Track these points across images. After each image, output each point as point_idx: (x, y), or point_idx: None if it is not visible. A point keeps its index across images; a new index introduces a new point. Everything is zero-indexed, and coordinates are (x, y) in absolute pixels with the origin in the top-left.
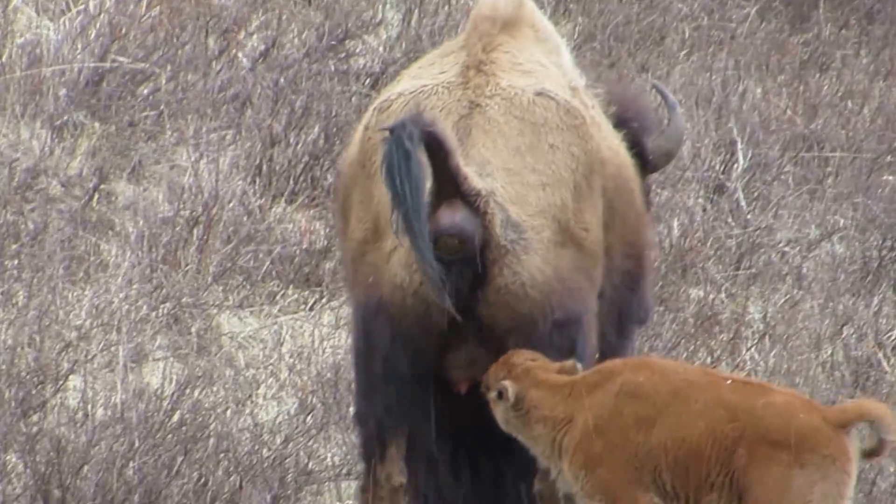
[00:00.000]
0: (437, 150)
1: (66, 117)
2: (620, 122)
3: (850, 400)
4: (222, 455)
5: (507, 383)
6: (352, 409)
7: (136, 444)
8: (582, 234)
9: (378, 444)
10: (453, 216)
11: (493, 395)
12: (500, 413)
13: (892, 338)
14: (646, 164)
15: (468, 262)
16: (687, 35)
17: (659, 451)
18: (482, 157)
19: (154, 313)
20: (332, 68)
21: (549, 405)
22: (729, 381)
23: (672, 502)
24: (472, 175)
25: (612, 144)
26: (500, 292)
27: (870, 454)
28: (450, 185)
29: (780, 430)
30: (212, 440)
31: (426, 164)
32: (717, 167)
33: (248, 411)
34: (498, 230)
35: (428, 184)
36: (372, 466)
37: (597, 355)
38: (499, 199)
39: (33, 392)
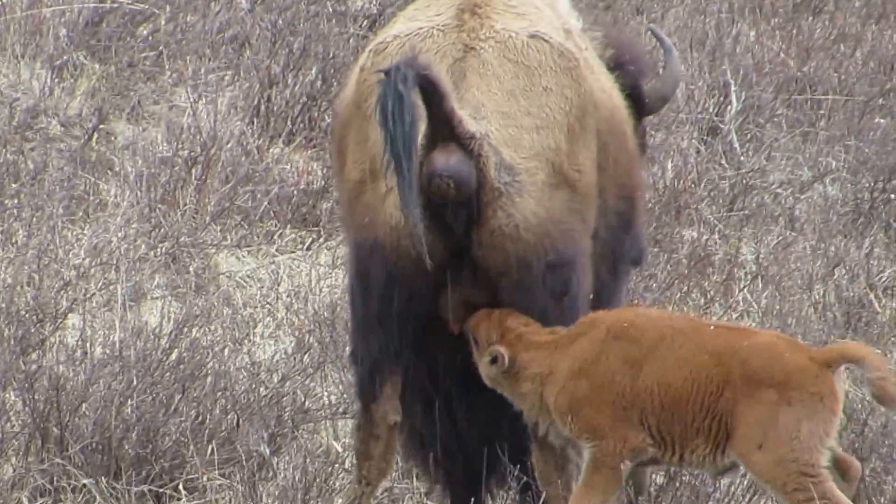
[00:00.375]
0: (431, 93)
1: (65, 57)
2: (617, 66)
3: (841, 342)
4: (220, 393)
5: (502, 349)
6: (348, 349)
7: (134, 383)
8: (575, 175)
9: (373, 384)
10: (448, 159)
11: (486, 359)
12: (487, 373)
13: (884, 279)
14: (642, 106)
15: (462, 204)
16: None
17: (645, 396)
18: (476, 100)
19: (152, 252)
20: (330, 9)
21: (536, 364)
22: (712, 327)
23: (659, 446)
24: (467, 118)
25: (606, 87)
26: (494, 234)
27: (879, 399)
28: (444, 129)
29: (766, 370)
30: (209, 378)
31: (420, 108)
32: (711, 109)
33: (245, 350)
34: (492, 173)
35: (422, 127)
36: (367, 405)
37: (591, 296)
38: (493, 141)
39: (32, 330)
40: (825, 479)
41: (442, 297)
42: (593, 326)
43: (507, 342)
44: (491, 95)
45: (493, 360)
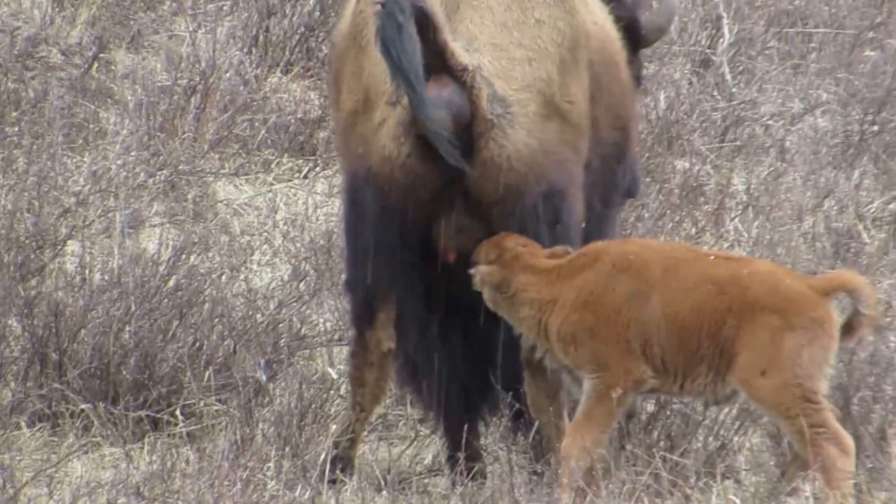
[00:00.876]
0: (425, 25)
1: None
2: None
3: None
4: (217, 320)
5: (486, 269)
6: (343, 277)
7: (133, 309)
8: (567, 107)
9: (368, 311)
10: (441, 91)
11: (476, 279)
12: (486, 294)
13: (872, 209)
14: (638, 38)
15: (455, 135)
16: None
17: (651, 327)
18: (469, 33)
19: (151, 180)
20: None
21: (536, 289)
22: (712, 257)
23: (662, 377)
24: (460, 50)
25: (598, 18)
26: (487, 165)
27: (847, 330)
28: (438, 61)
29: (768, 296)
30: (206, 305)
31: (417, 38)
32: (704, 42)
33: (242, 277)
34: (484, 104)
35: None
36: (362, 333)
37: (583, 226)
38: (485, 73)
39: (32, 257)
40: (825, 406)
41: (436, 226)
42: (598, 259)
43: (502, 262)
44: (484, 27)
45: (482, 280)
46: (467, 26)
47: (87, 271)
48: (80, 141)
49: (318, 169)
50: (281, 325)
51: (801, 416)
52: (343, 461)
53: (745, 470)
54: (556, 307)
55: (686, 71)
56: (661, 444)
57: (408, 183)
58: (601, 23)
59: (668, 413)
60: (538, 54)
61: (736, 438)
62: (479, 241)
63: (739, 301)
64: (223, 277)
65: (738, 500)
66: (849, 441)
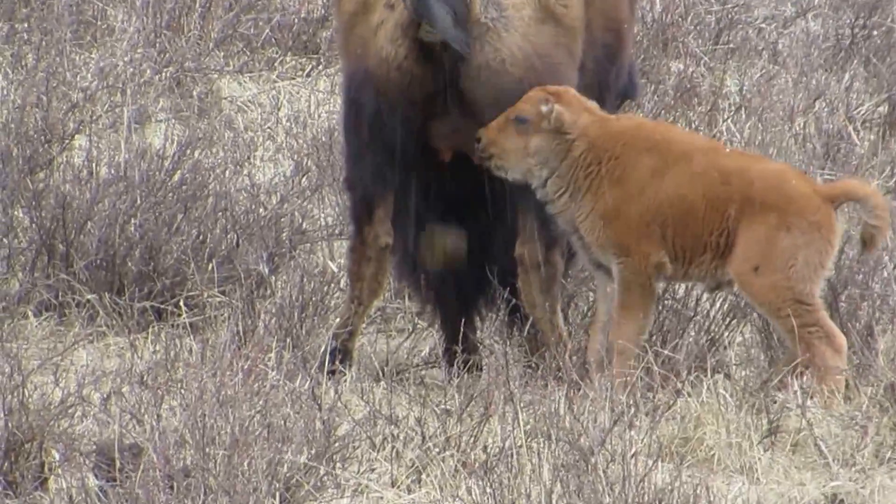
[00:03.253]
0: None
1: None
2: None
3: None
4: (220, 213)
5: (559, 107)
6: (342, 174)
7: (138, 202)
8: (562, 10)
9: (366, 207)
10: None
11: (544, 108)
12: (537, 142)
13: (862, 111)
14: None
15: (451, 38)
16: None
17: (665, 207)
18: None
19: (157, 77)
20: None
21: (594, 136)
22: (728, 150)
23: (675, 261)
24: None
25: None
26: (482, 68)
27: (864, 242)
28: None
29: (769, 192)
30: (210, 199)
31: None
32: None
33: (245, 172)
34: (478, 8)
35: None
36: (360, 228)
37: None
38: None
39: (40, 150)
40: (818, 307)
41: (432, 126)
42: (637, 133)
43: (564, 102)
44: None
45: (547, 115)
46: None
47: (94, 165)
48: (88, 38)
49: (320, 67)
50: (283, 220)
51: (791, 315)
52: (342, 353)
53: (735, 364)
54: (597, 172)
55: None
56: (653, 338)
57: (404, 84)
58: None
59: (660, 308)
60: None
61: (726, 334)
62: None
63: (741, 193)
64: (227, 172)
65: (727, 395)
66: (840, 340)
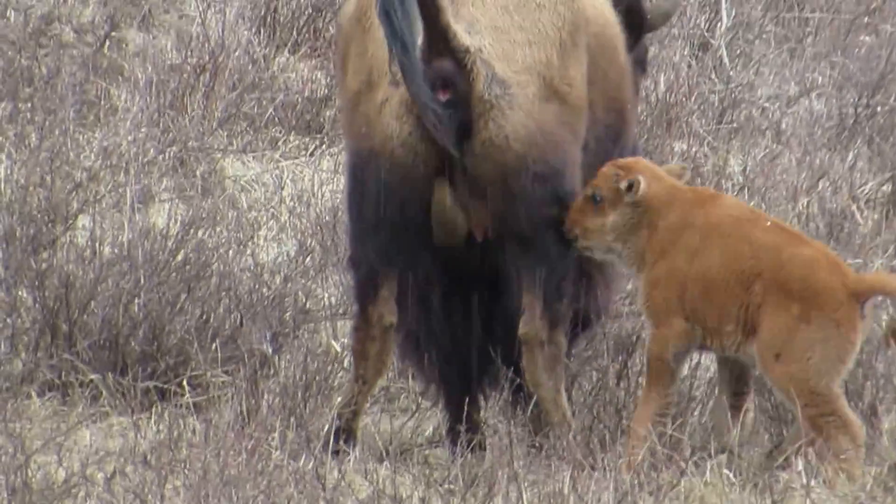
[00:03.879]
0: (428, 7)
1: None
2: None
3: (879, 272)
4: (224, 293)
5: (641, 177)
6: (346, 253)
7: (142, 282)
8: (566, 89)
9: (370, 286)
10: (442, 72)
11: (623, 184)
12: (614, 218)
13: (865, 191)
14: (642, 23)
15: (452, 115)
16: None
17: (696, 278)
18: (471, 15)
19: (161, 156)
20: None
21: (657, 205)
22: (769, 223)
23: (703, 332)
24: (462, 32)
25: (597, 3)
26: (485, 145)
27: (892, 334)
28: (440, 42)
29: (796, 281)
30: (214, 279)
31: (418, 12)
32: (703, 25)
33: (249, 252)
34: (483, 86)
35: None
36: (364, 307)
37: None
38: (485, 56)
39: (44, 230)
40: (836, 397)
41: (436, 204)
42: (685, 204)
43: (640, 170)
44: (485, 11)
45: (629, 188)
46: (469, 9)
47: (97, 244)
48: (92, 117)
49: (324, 147)
50: (286, 299)
51: (808, 406)
52: (346, 432)
53: (739, 445)
54: (654, 239)
55: (685, 54)
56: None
57: (408, 161)
58: (600, 7)
59: None
60: (539, 37)
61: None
62: (481, 219)
63: (770, 274)
64: (230, 252)
65: (731, 474)
66: (856, 428)
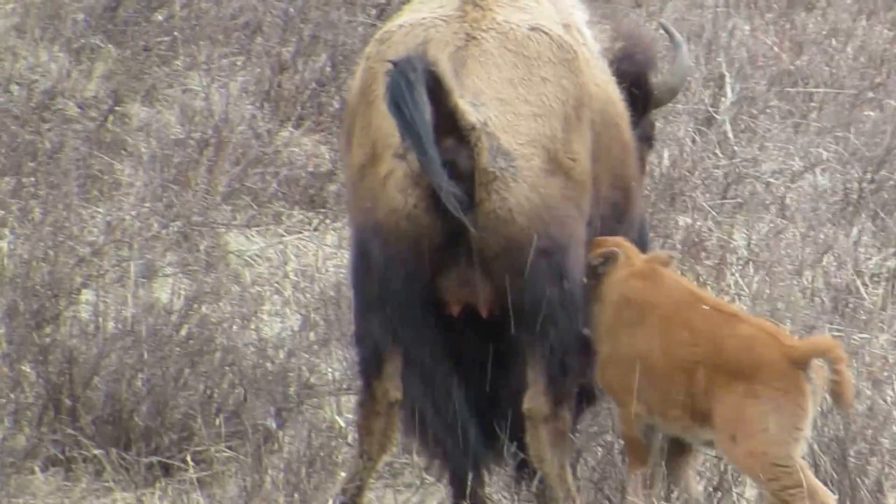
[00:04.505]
0: (437, 88)
1: (83, 41)
2: (626, 56)
3: (814, 335)
4: (228, 368)
5: (619, 251)
6: (351, 329)
7: (145, 357)
8: (570, 163)
9: (375, 362)
10: (448, 152)
11: (597, 261)
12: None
13: (870, 266)
14: (649, 98)
15: (462, 188)
16: None
17: (635, 360)
18: (476, 87)
19: (164, 231)
20: None
21: (612, 283)
22: (707, 307)
23: (650, 414)
24: (469, 109)
25: (601, 80)
26: (489, 217)
27: (834, 396)
28: (447, 122)
29: (737, 361)
30: (218, 354)
31: (427, 99)
32: (707, 100)
33: (253, 326)
34: (487, 158)
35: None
36: (369, 383)
37: (585, 281)
38: (490, 129)
39: (47, 305)
40: (799, 468)
41: (441, 278)
42: (629, 283)
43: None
44: (490, 83)
45: (604, 262)
46: (474, 81)
47: (100, 319)
48: (95, 192)
49: (327, 221)
50: (290, 374)
51: (773, 480)
52: (348, 497)
53: None
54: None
55: (689, 129)
56: (661, 491)
57: (413, 234)
58: (604, 84)
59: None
60: (543, 111)
61: (734, 480)
62: (486, 294)
63: (711, 358)
64: (234, 327)
65: None
66: (825, 497)
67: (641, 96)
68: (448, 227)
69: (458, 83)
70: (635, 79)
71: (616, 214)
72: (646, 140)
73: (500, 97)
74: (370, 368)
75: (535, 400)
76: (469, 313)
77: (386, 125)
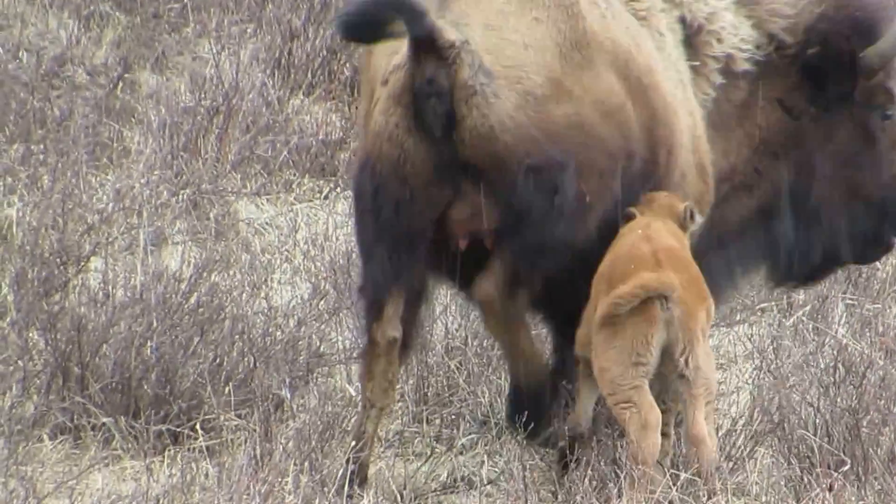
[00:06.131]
0: (413, 11)
1: (92, 8)
2: (826, 18)
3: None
4: (237, 337)
5: (633, 211)
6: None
7: (154, 325)
8: (580, 93)
9: (376, 306)
10: (428, 67)
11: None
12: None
13: None
14: (854, 62)
15: (441, 102)
16: None
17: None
18: (461, 11)
19: (174, 199)
20: None
21: None
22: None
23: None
24: (447, 28)
25: (618, 33)
26: (472, 134)
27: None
28: (428, 44)
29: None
30: (227, 322)
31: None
32: None
33: (262, 295)
34: (466, 73)
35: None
36: (370, 327)
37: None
38: (472, 48)
39: (56, 272)
40: (633, 385)
41: (445, 211)
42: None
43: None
44: (479, 10)
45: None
46: (460, 5)
47: (110, 287)
48: (105, 159)
49: (338, 190)
50: (300, 343)
51: (610, 394)
52: (358, 466)
53: (756, 484)
54: None
55: None
56: (671, 461)
57: (396, 157)
58: (620, 38)
59: (677, 432)
60: (535, 43)
61: (746, 452)
62: (490, 221)
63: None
64: (244, 295)
65: None
66: (650, 416)
67: (843, 61)
68: (431, 148)
69: (441, 6)
70: (835, 41)
71: (643, 175)
72: (873, 109)
73: (487, 23)
74: (371, 312)
75: (487, 288)
76: (476, 246)
77: (381, 64)
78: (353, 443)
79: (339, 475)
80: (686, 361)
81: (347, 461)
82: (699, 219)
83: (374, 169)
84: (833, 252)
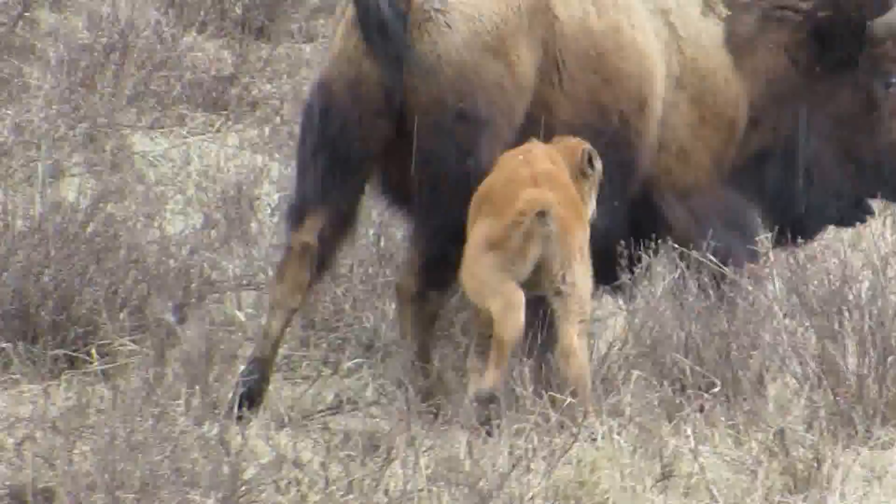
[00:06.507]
0: None
1: None
2: None
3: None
4: (132, 265)
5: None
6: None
7: (52, 254)
8: (513, 59)
9: (298, 216)
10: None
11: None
12: None
13: None
14: (862, 31)
15: (395, 21)
16: None
17: None
18: None
19: (71, 132)
20: None
21: None
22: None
23: None
24: None
25: (580, 15)
26: (421, 61)
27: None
28: None
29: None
30: (122, 251)
31: None
32: None
33: (156, 225)
34: None
35: None
36: (290, 235)
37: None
38: None
39: None
40: (497, 291)
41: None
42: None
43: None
44: None
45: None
46: None
47: (9, 218)
48: (5, 95)
49: (229, 123)
50: (192, 271)
51: (473, 294)
52: (261, 362)
53: (629, 405)
54: None
55: None
56: (551, 384)
57: (352, 77)
58: (579, 19)
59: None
60: (490, 1)
61: (621, 376)
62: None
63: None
64: (138, 225)
65: (622, 440)
66: (514, 297)
67: (852, 27)
68: (385, 73)
69: None
70: (846, 8)
71: (609, 142)
72: (878, 76)
73: None
74: (292, 221)
75: (406, 278)
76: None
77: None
78: (250, 356)
79: (229, 398)
80: (563, 277)
81: (237, 384)
82: (598, 164)
83: (329, 88)
84: (819, 209)
